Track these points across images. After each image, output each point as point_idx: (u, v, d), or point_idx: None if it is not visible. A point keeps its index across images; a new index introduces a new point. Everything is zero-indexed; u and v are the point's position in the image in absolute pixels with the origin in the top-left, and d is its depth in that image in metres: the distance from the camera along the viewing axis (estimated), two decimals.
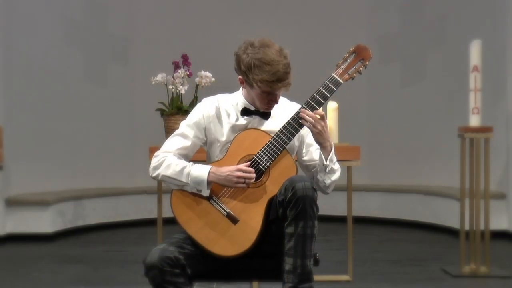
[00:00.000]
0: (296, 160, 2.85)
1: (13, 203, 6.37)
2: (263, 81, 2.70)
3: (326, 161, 2.77)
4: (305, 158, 2.89)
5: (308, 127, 2.73)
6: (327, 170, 2.79)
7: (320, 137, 2.75)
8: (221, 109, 2.88)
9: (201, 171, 2.73)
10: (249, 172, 2.69)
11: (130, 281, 4.66)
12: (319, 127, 2.73)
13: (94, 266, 5.23)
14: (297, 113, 2.75)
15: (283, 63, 2.71)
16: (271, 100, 2.79)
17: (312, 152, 2.88)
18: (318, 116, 2.72)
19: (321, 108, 2.80)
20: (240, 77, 2.81)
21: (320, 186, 2.84)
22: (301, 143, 2.88)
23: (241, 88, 2.90)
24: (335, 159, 2.81)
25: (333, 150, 2.79)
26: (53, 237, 6.40)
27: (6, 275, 4.95)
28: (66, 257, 5.63)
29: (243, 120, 2.86)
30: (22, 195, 6.47)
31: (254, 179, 2.70)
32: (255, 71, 2.70)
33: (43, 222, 6.42)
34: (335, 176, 2.83)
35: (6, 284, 4.66)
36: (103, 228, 6.93)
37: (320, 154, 2.78)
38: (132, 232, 6.87)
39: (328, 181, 2.81)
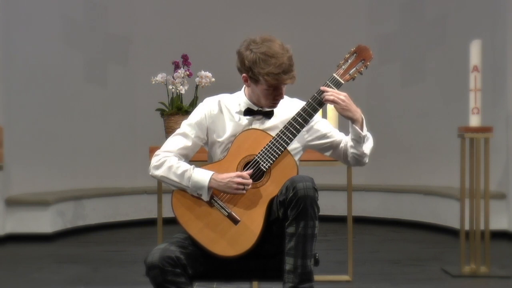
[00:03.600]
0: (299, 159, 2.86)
1: (13, 203, 6.37)
2: (270, 74, 2.70)
3: (363, 131, 2.78)
4: (326, 140, 2.90)
5: (334, 106, 2.74)
6: (364, 141, 2.80)
7: (348, 112, 2.75)
8: (223, 108, 2.88)
9: (202, 176, 2.73)
10: (248, 178, 2.69)
11: (130, 281, 4.66)
12: (343, 103, 2.73)
13: (94, 266, 5.23)
14: (298, 114, 2.75)
15: (287, 56, 2.72)
16: (277, 95, 2.78)
17: (328, 136, 2.89)
18: (341, 96, 2.73)
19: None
20: (244, 75, 2.80)
21: (357, 160, 2.84)
22: (311, 133, 2.88)
23: (243, 88, 2.90)
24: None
25: (364, 120, 2.79)
26: (53, 237, 6.40)
27: (6, 275, 4.95)
28: (66, 257, 5.63)
29: (245, 120, 2.85)
30: (22, 195, 6.47)
31: (250, 185, 2.70)
32: (261, 64, 2.71)
33: (43, 222, 6.41)
34: (371, 142, 2.85)
35: (6, 284, 4.66)
36: (103, 228, 6.93)
37: (354, 128, 2.77)
38: (132, 232, 6.87)
39: (367, 151, 2.82)
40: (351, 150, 2.83)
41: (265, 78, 2.71)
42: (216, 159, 2.84)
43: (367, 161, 2.87)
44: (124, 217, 7.19)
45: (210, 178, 2.71)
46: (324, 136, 2.90)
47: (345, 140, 2.87)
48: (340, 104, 2.73)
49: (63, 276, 4.90)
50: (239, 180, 2.68)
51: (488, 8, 6.58)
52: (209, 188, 2.71)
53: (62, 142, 6.93)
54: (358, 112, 2.76)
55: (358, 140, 2.79)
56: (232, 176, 2.70)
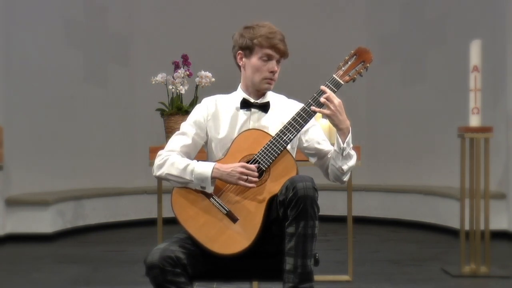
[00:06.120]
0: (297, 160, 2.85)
1: (13, 203, 6.37)
2: (262, 36, 2.78)
3: (343, 143, 2.75)
4: (314, 145, 2.89)
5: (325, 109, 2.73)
6: (344, 154, 2.77)
7: (335, 118, 2.73)
8: (220, 106, 2.90)
9: (205, 167, 2.73)
10: (252, 170, 2.69)
11: (130, 281, 4.66)
12: (333, 108, 2.71)
13: (94, 266, 5.23)
14: (298, 114, 2.75)
15: (280, 32, 2.82)
16: (270, 69, 2.80)
17: (318, 143, 2.88)
18: (335, 101, 2.71)
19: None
20: (239, 52, 2.84)
21: (335, 174, 2.82)
22: (304, 135, 2.89)
23: (239, 86, 2.93)
24: (351, 144, 2.79)
25: (350, 134, 2.77)
26: (53, 237, 6.40)
27: (6, 275, 4.95)
28: (66, 257, 5.63)
29: (242, 115, 2.86)
30: (22, 195, 6.47)
31: (257, 178, 2.69)
32: (254, 31, 2.80)
33: (43, 222, 6.42)
34: (352, 161, 2.80)
35: (6, 284, 4.67)
36: (103, 228, 6.94)
37: (336, 137, 2.76)
38: (132, 232, 6.87)
39: (345, 167, 2.79)
40: (331, 162, 2.82)
41: (259, 40, 2.78)
42: (216, 159, 2.84)
43: (345, 179, 2.84)
44: (124, 217, 7.20)
45: (213, 168, 2.72)
46: (314, 141, 2.89)
47: (332, 153, 2.87)
48: (330, 108, 2.72)
49: (63, 276, 4.90)
50: (242, 170, 2.68)
51: (488, 8, 6.59)
52: (212, 178, 2.72)
53: (62, 142, 6.93)
54: (346, 123, 2.75)
55: (339, 152, 2.78)
56: (236, 166, 2.70)
